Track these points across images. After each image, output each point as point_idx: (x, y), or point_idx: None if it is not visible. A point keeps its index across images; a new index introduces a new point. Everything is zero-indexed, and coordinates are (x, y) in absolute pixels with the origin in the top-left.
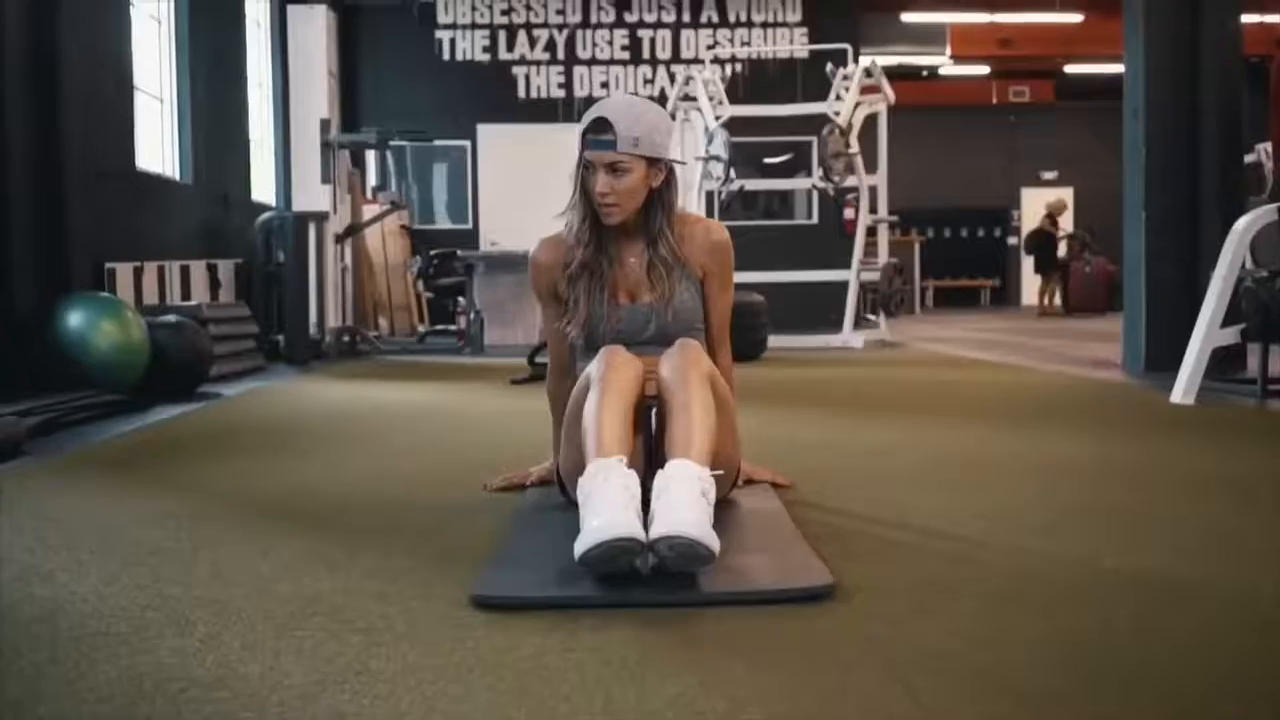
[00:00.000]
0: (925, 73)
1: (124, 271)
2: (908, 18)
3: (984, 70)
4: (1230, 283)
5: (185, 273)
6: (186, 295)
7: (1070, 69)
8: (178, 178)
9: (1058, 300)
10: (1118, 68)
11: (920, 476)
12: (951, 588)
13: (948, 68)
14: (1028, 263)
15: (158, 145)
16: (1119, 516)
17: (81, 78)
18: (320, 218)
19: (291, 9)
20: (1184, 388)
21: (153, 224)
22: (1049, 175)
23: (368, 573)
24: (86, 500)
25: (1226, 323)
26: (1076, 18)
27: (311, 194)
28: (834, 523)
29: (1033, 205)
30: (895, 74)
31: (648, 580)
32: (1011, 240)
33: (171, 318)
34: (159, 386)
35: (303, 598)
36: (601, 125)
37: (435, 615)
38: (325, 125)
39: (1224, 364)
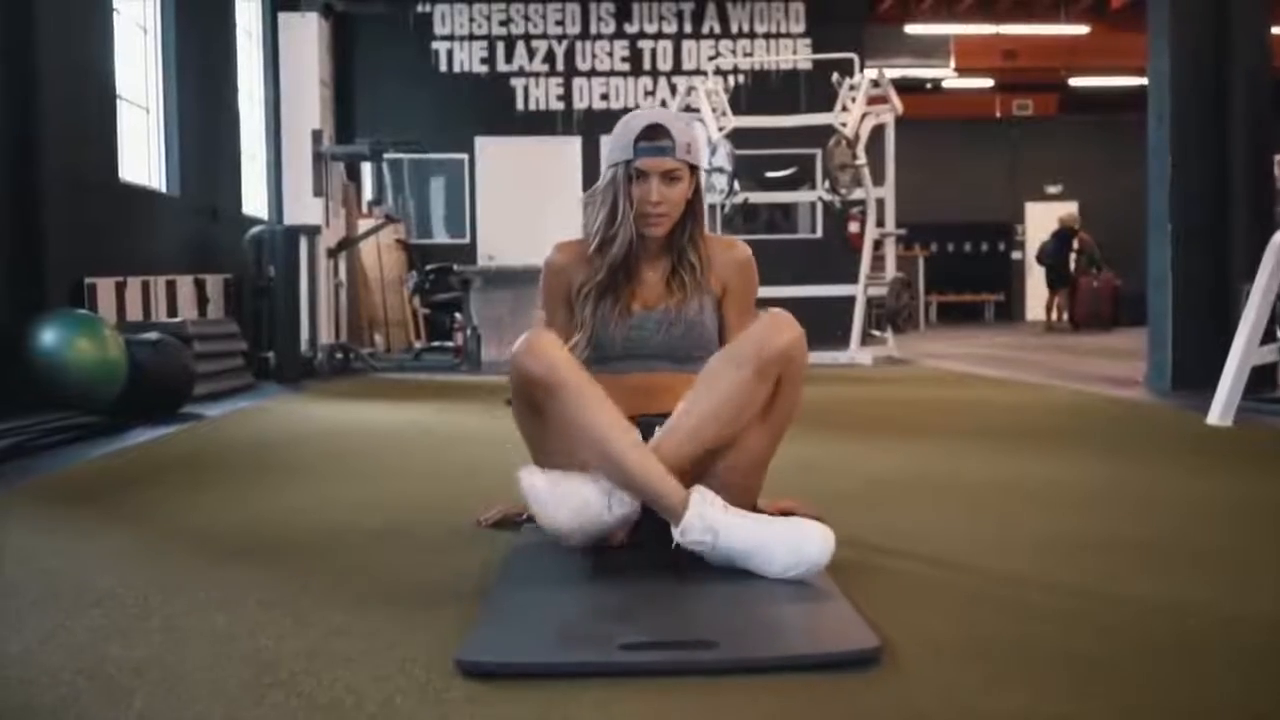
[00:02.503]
0: (929, 85)
1: (105, 287)
2: (911, 29)
3: (988, 83)
4: (1269, 299)
5: (171, 288)
6: (173, 311)
7: (1074, 82)
8: (164, 190)
9: (1064, 315)
10: (1123, 80)
11: (953, 506)
12: (1010, 644)
13: (951, 80)
14: (1032, 277)
15: (144, 157)
16: (1177, 552)
17: (60, 87)
18: (312, 231)
19: (282, 17)
20: (1221, 409)
21: (137, 238)
22: (1053, 189)
23: (338, 629)
24: (40, 537)
25: (1263, 340)
26: (1082, 29)
27: (303, 207)
28: (864, 561)
29: (1037, 219)
30: (898, 86)
31: (661, 642)
32: (1016, 255)
33: (152, 335)
34: (138, 407)
35: (261, 661)
36: (657, 131)
37: (412, 685)
38: (317, 136)
39: (1255, 383)
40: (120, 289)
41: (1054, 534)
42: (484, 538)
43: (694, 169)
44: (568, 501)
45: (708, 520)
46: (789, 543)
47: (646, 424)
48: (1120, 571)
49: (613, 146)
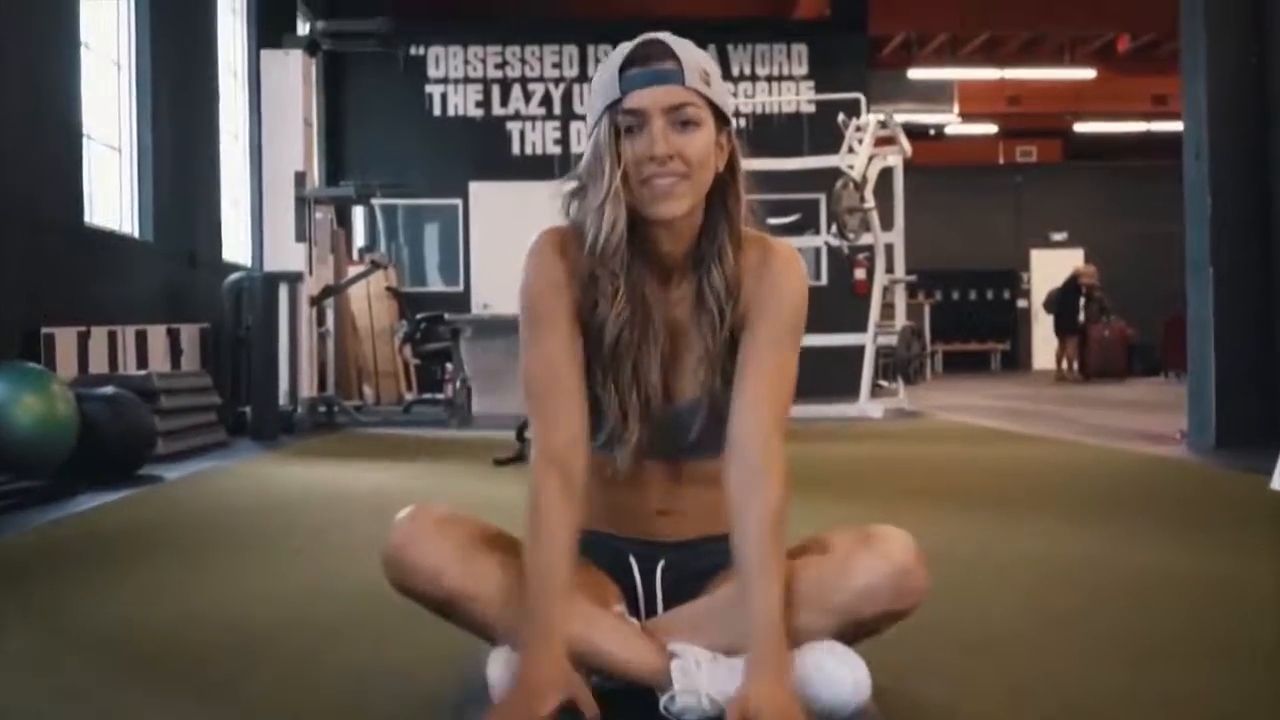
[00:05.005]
0: (932, 131)
1: (65, 336)
2: (915, 74)
3: (991, 129)
4: None
5: (141, 338)
6: (143, 363)
7: (1079, 127)
8: (137, 235)
9: (1074, 365)
10: (1129, 125)
11: (1011, 600)
12: None
13: (954, 126)
14: (1038, 326)
15: (116, 200)
16: None
17: (17, 123)
18: (294, 278)
19: (265, 53)
20: None
21: (104, 285)
22: (1058, 236)
23: None
24: None
25: None
26: (1088, 73)
27: (285, 252)
28: (913, 693)
29: (1043, 267)
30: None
31: None
32: (1021, 303)
33: (108, 389)
34: (90, 469)
35: None
36: (657, 49)
37: None
38: (300, 178)
39: None
40: (83, 339)
41: (1144, 643)
42: (456, 641)
43: (721, 118)
44: None
45: (702, 693)
46: (814, 686)
47: (649, 554)
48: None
49: (593, 100)
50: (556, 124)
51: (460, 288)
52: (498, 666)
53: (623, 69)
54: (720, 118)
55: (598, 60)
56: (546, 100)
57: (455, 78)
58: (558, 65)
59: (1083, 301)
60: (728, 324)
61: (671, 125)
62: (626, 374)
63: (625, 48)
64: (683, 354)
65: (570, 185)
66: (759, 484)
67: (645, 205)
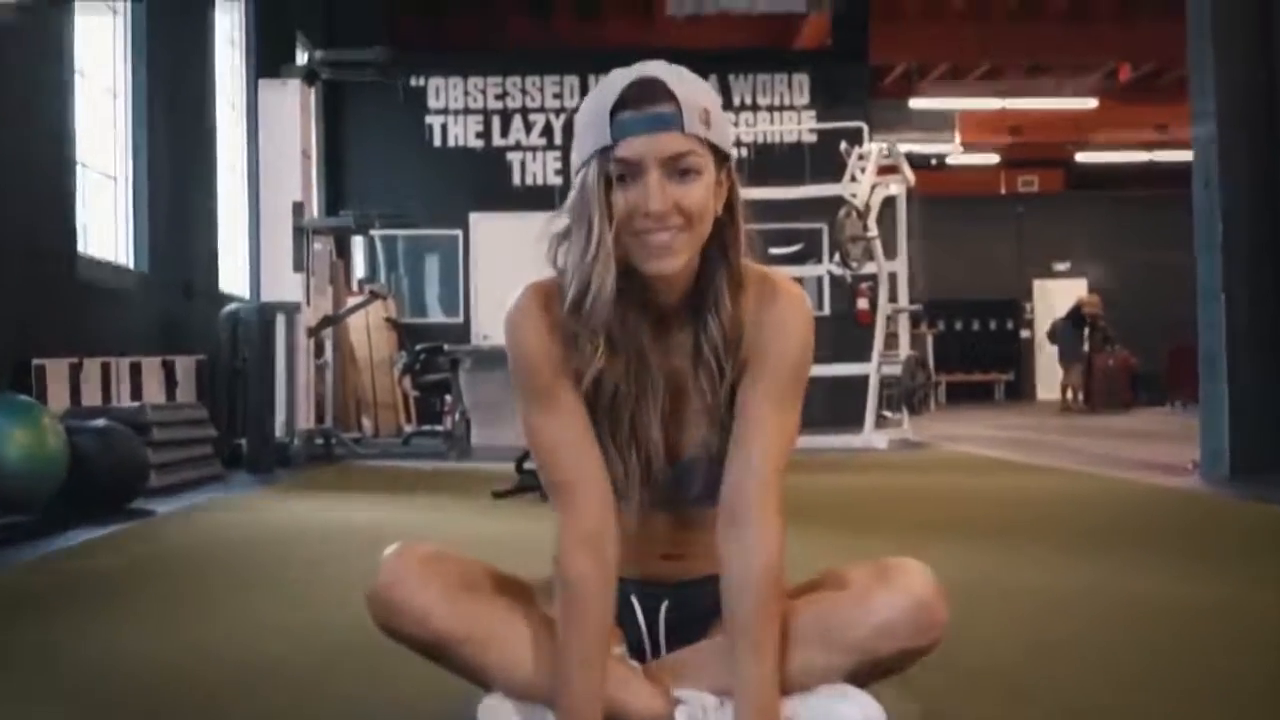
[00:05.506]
0: (933, 161)
1: (56, 369)
2: (916, 104)
3: (993, 159)
4: None
5: (135, 370)
6: (137, 395)
7: (1081, 157)
8: (132, 265)
9: (1079, 395)
10: (1131, 155)
11: (1046, 647)
12: None
13: (956, 156)
14: (1042, 356)
15: (112, 229)
16: None
17: (10, 152)
18: (291, 309)
19: (263, 83)
20: None
21: (98, 316)
22: (1061, 266)
23: None
24: None
25: None
26: (1090, 103)
27: (282, 283)
28: None
29: (1046, 297)
30: None
31: None
32: (1024, 333)
33: (99, 422)
34: (81, 503)
35: None
36: (653, 90)
37: None
38: (299, 209)
39: None
40: (75, 371)
41: (1144, 668)
42: (453, 677)
43: (721, 156)
44: None
45: None
46: None
47: (652, 595)
48: None
49: (580, 134)
50: (557, 154)
51: (460, 319)
52: (488, 716)
53: (614, 110)
54: (720, 156)
55: None
56: (547, 131)
57: (455, 108)
58: (558, 96)
59: (1087, 331)
60: (728, 379)
61: (669, 176)
62: (624, 432)
63: (617, 81)
64: (683, 407)
65: (559, 225)
66: (753, 549)
67: (640, 261)
